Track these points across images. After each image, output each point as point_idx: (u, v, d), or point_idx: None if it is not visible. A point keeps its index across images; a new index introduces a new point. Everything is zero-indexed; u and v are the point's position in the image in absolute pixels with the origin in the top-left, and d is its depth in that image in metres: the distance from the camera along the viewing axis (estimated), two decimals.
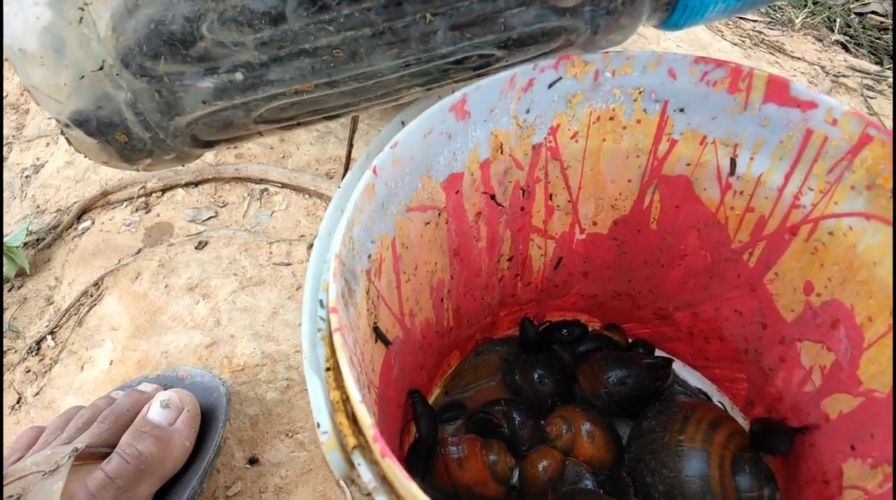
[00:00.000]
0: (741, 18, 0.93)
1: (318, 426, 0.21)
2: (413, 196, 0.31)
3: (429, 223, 0.33)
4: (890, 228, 0.29)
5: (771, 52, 0.87)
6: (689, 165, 0.34)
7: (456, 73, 0.30)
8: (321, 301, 0.25)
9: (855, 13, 1.02)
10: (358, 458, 0.21)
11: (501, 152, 0.34)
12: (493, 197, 0.36)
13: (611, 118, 0.33)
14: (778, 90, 0.30)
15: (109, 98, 0.27)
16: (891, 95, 0.82)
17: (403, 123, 0.31)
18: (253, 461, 0.44)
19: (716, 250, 0.37)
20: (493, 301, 0.43)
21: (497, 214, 0.37)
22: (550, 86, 0.32)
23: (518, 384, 0.43)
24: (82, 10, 0.24)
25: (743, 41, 0.88)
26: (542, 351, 0.46)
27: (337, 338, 0.22)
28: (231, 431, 0.44)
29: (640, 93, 0.32)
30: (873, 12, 1.01)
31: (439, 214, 0.34)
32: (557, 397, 0.42)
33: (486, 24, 0.26)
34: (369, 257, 0.28)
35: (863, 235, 0.30)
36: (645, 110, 0.33)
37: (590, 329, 0.47)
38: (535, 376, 0.43)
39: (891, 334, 0.29)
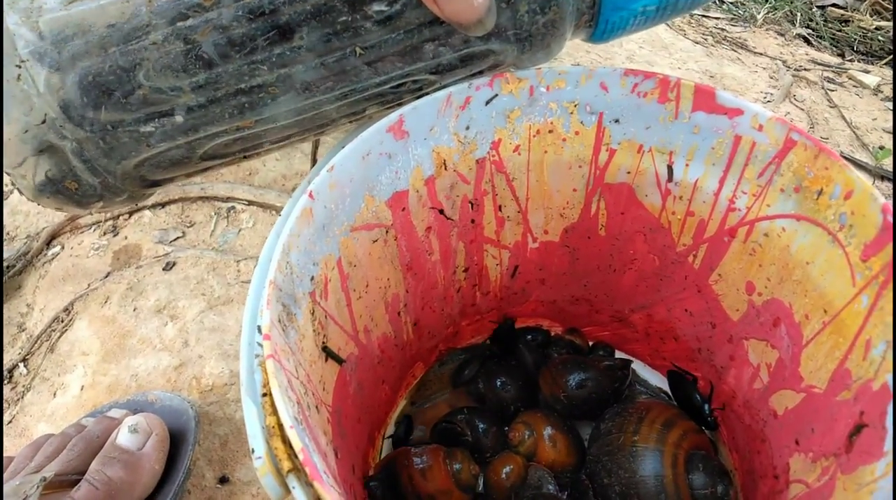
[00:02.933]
0: (703, 16, 0.94)
1: (252, 451, 0.22)
2: (357, 216, 0.32)
3: (377, 241, 0.34)
4: (818, 229, 0.30)
5: (733, 49, 0.88)
6: (629, 173, 0.35)
7: (394, 99, 0.31)
8: (259, 327, 0.25)
9: (817, 6, 1.04)
10: (293, 481, 0.22)
11: (445, 168, 0.34)
12: (441, 211, 0.36)
13: (550, 131, 0.34)
14: (705, 99, 0.31)
15: (56, 148, 0.27)
16: (851, 87, 0.84)
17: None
18: (224, 480, 0.44)
19: (662, 253, 0.38)
20: (454, 312, 0.44)
21: (448, 228, 0.38)
22: (487, 103, 0.33)
23: (481, 392, 0.44)
24: (19, 67, 0.25)
25: (705, 39, 0.89)
26: (513, 347, 0.46)
27: (270, 364, 0.23)
28: (201, 452, 0.45)
29: (575, 106, 0.33)
30: (834, 5, 1.02)
31: (387, 232, 0.34)
32: (520, 403, 0.43)
33: (415, 54, 0.27)
34: (312, 278, 0.29)
35: (795, 236, 0.31)
36: (582, 122, 0.34)
37: (552, 333, 0.48)
38: (498, 383, 0.43)
39: (825, 332, 0.30)
